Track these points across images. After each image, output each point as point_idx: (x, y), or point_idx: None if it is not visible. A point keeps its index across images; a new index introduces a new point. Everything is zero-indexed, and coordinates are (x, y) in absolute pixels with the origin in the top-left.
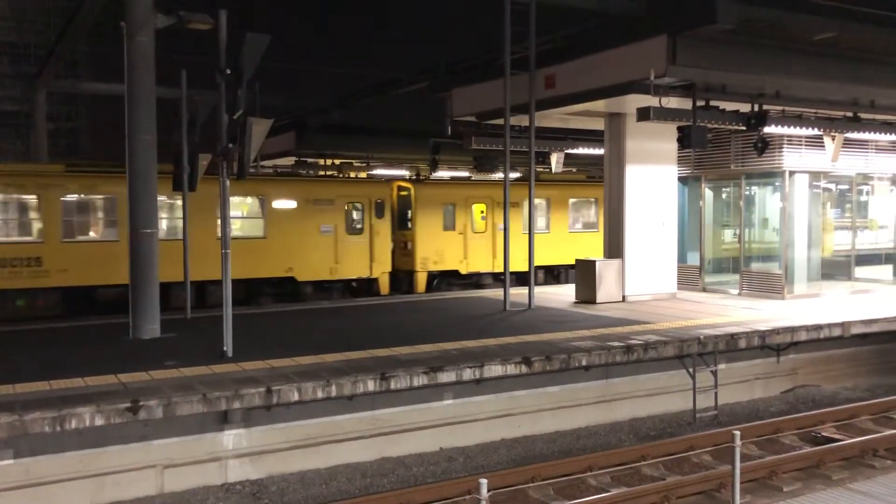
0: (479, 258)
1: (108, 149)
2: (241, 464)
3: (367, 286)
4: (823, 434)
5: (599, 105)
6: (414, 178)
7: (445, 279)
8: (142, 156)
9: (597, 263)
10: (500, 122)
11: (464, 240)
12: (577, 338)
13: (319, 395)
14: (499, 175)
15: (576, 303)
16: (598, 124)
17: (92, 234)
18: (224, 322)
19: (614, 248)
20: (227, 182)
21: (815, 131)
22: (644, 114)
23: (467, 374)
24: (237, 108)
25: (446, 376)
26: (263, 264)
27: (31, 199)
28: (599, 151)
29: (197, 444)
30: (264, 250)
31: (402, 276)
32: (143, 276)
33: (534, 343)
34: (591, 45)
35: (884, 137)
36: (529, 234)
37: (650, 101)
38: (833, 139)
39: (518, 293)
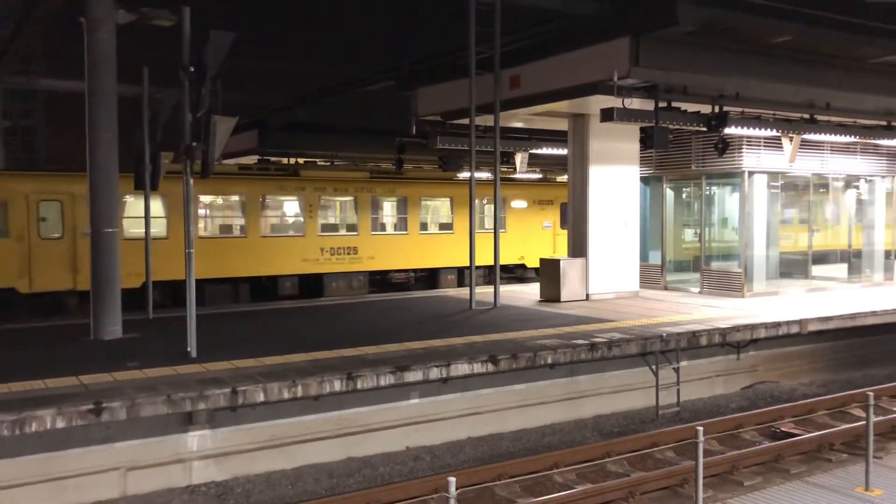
0: None
1: (65, 146)
2: (206, 465)
3: None
4: (782, 429)
5: (563, 106)
6: None
7: None
8: (102, 154)
9: (561, 262)
10: (466, 121)
11: None
12: (543, 336)
13: (285, 395)
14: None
15: (540, 301)
16: (563, 125)
17: (388, 228)
18: (188, 322)
19: (578, 247)
20: (191, 181)
21: (774, 132)
22: (608, 115)
23: (434, 373)
24: (201, 106)
25: (413, 375)
26: (503, 253)
27: (350, 200)
28: (563, 152)
29: (161, 445)
30: (504, 241)
31: None
32: (105, 276)
33: (500, 341)
34: (556, 46)
35: (839, 139)
36: (494, 232)
37: (614, 101)
38: (791, 140)
39: (483, 292)
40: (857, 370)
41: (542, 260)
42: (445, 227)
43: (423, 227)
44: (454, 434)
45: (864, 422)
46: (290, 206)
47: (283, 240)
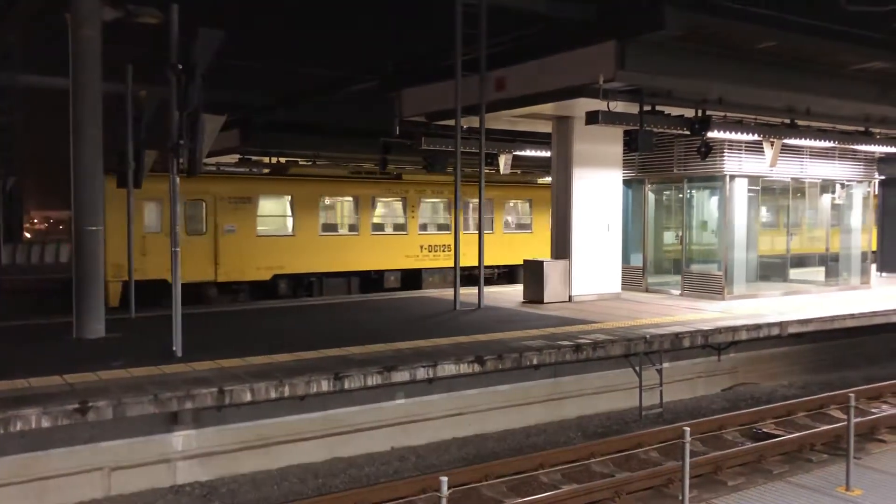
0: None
1: (45, 144)
2: (191, 465)
3: None
4: (764, 430)
5: (548, 108)
6: None
7: None
8: (87, 151)
9: (544, 264)
10: (450, 122)
11: None
12: (528, 337)
13: (272, 395)
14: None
15: (524, 302)
16: (547, 127)
17: (472, 227)
18: (174, 321)
19: (561, 248)
20: (178, 179)
21: (755, 137)
22: (592, 118)
23: (420, 373)
24: (188, 105)
25: (400, 376)
26: None
27: (444, 201)
28: (547, 154)
29: (145, 445)
30: None
31: None
32: (88, 274)
33: (485, 342)
34: (542, 49)
35: (818, 144)
36: (479, 233)
37: (598, 105)
38: (772, 145)
39: (466, 293)
40: (835, 372)
41: (525, 261)
42: (524, 226)
43: (507, 226)
44: (439, 434)
45: (843, 423)
46: (396, 207)
47: (389, 237)
